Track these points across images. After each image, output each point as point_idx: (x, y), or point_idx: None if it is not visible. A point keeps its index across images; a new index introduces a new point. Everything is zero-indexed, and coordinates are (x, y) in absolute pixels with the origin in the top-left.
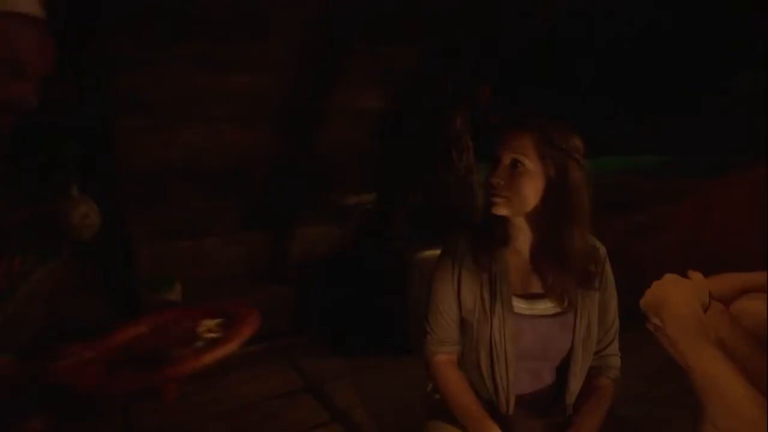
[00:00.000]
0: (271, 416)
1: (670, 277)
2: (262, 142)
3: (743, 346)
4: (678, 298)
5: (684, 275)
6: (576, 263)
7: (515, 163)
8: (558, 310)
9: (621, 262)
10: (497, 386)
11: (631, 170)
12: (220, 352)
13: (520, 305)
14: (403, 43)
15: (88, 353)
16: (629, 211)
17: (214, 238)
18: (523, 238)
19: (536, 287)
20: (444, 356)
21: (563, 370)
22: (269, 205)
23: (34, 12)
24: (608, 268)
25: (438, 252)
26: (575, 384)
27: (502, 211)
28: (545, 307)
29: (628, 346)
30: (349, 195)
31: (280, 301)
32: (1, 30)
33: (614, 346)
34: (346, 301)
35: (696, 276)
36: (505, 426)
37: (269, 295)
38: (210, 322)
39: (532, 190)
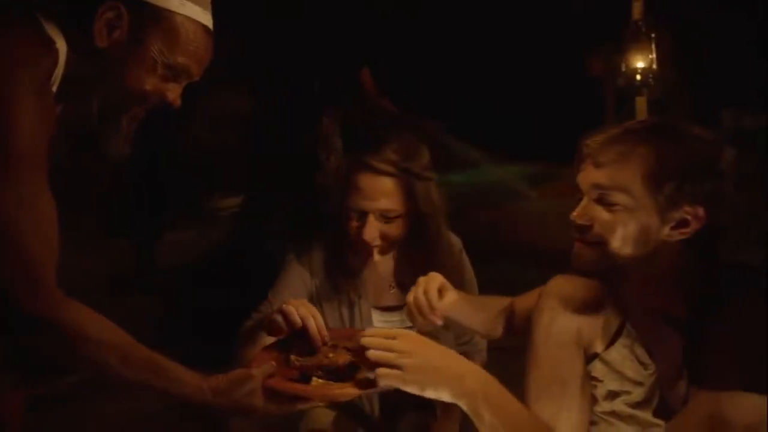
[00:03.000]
0: None
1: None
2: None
3: None
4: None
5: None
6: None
7: (386, 214)
8: None
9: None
10: None
11: (504, 180)
12: None
13: (379, 318)
14: (271, 43)
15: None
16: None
17: (68, 247)
18: (383, 257)
19: (395, 299)
20: None
21: None
22: (132, 210)
23: (210, 27)
24: (465, 261)
25: None
26: None
27: (382, 256)
28: (403, 318)
29: None
30: (219, 198)
31: (146, 313)
32: (196, 38)
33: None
34: (218, 308)
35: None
36: (374, 428)
37: (133, 307)
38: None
39: (405, 228)
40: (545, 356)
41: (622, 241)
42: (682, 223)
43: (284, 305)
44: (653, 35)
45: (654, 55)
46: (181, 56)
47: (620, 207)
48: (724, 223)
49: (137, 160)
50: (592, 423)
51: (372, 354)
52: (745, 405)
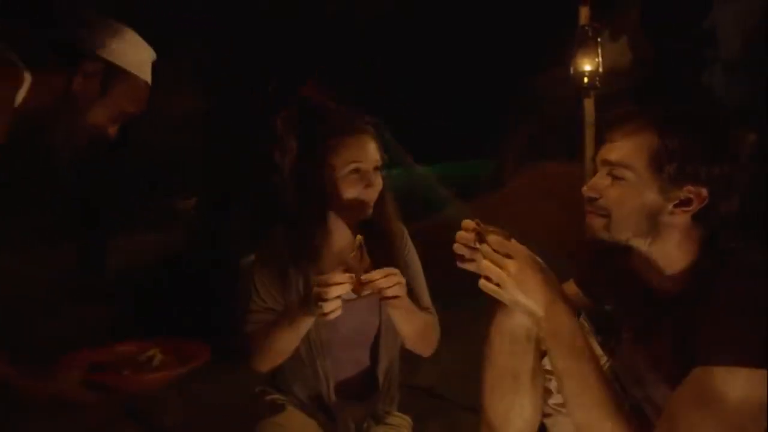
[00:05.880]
0: None
1: None
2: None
3: None
4: None
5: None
6: (390, 249)
7: (377, 168)
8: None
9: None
10: (318, 375)
11: (467, 174)
12: (162, 375)
13: None
14: (228, 45)
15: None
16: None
17: (11, 253)
18: (343, 234)
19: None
20: None
21: (374, 350)
22: (80, 214)
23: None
24: (410, 246)
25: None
26: (385, 361)
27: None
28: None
29: (448, 327)
30: (174, 200)
31: (96, 321)
32: (144, 93)
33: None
34: (172, 313)
35: None
36: (329, 413)
37: (82, 314)
38: (154, 351)
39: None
40: (499, 351)
41: (625, 213)
42: (685, 202)
43: (321, 289)
44: (599, 39)
45: (600, 59)
46: (133, 107)
47: (625, 182)
48: (732, 206)
49: (87, 163)
50: (546, 415)
51: (485, 265)
52: (740, 379)
